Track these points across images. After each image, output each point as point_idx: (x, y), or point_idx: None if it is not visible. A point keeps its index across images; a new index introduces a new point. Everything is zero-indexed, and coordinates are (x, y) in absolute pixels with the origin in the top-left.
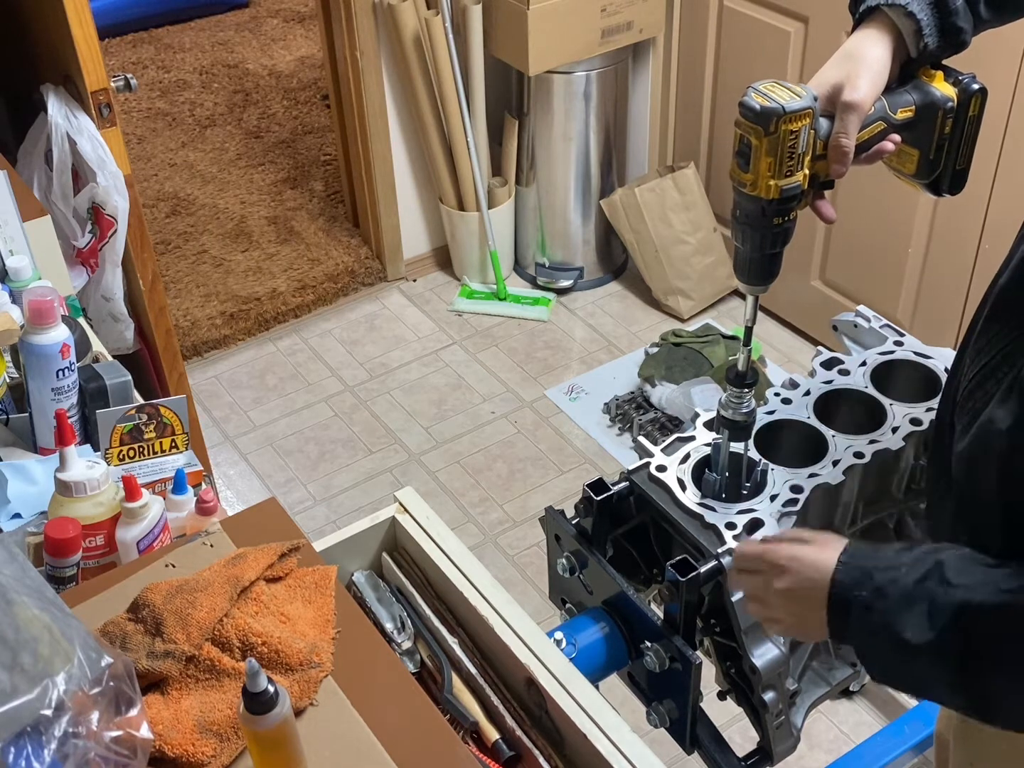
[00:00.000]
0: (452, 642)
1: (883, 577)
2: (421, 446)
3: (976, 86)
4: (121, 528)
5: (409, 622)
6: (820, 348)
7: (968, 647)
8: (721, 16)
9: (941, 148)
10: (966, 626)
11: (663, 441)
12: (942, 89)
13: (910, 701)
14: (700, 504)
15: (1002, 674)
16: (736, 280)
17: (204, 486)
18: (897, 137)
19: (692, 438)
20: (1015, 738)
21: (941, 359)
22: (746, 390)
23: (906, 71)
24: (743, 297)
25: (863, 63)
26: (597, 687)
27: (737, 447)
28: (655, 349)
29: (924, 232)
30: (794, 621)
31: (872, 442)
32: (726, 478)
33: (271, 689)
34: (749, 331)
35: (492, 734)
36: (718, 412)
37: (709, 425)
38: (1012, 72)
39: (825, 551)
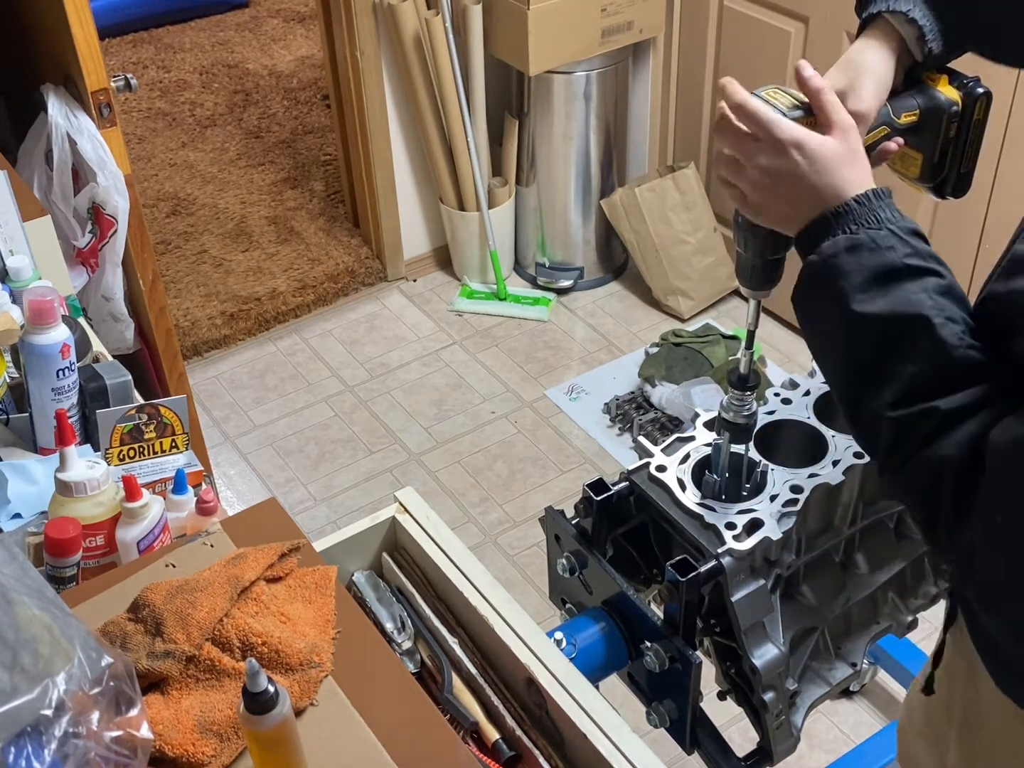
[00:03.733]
0: (452, 642)
1: (886, 239)
2: (421, 446)
3: (981, 90)
4: (121, 528)
5: (409, 622)
6: None
7: (886, 347)
8: (721, 16)
9: (945, 152)
10: (904, 332)
11: (663, 441)
12: (946, 93)
13: None
14: (700, 504)
15: (890, 390)
16: (737, 281)
17: (204, 486)
18: (901, 140)
19: (692, 438)
20: (1019, 734)
21: None
22: (748, 393)
23: (911, 75)
24: (743, 297)
25: (867, 70)
26: (597, 687)
27: (738, 448)
28: (655, 349)
29: (926, 225)
30: (761, 202)
31: None
32: (726, 479)
33: (271, 689)
34: (751, 335)
35: (492, 734)
36: (719, 414)
37: (709, 425)
38: (1012, 73)
39: (836, 160)
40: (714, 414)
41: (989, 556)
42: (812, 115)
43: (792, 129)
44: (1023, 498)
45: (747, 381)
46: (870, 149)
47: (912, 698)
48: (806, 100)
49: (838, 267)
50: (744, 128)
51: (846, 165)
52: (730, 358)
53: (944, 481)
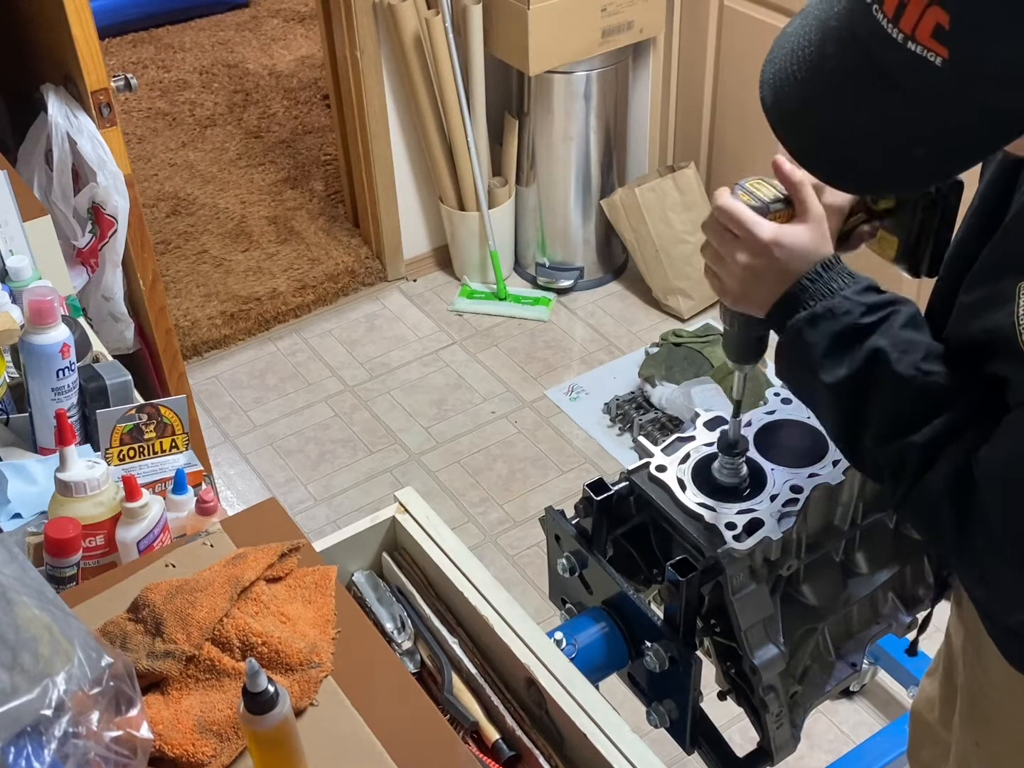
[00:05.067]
0: (452, 642)
1: (841, 305)
2: (421, 446)
3: (954, 179)
4: (121, 528)
5: (409, 622)
6: None
7: (858, 398)
8: (721, 16)
9: (920, 235)
10: (867, 379)
11: (663, 441)
12: None
13: (910, 701)
14: (700, 504)
15: (871, 433)
16: (723, 351)
17: (204, 486)
18: (876, 224)
19: (692, 438)
20: (1022, 719)
21: None
22: (737, 459)
23: None
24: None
25: None
26: (597, 687)
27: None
28: (655, 349)
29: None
30: (739, 292)
31: None
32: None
33: (271, 689)
34: (738, 404)
35: (492, 734)
36: (713, 473)
37: (709, 425)
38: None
39: (809, 248)
40: (714, 414)
41: (996, 568)
42: (791, 205)
43: (770, 230)
44: (1017, 511)
45: (735, 447)
46: (848, 234)
47: (922, 683)
48: (786, 192)
49: (804, 340)
50: (727, 226)
51: (817, 250)
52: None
53: (941, 509)
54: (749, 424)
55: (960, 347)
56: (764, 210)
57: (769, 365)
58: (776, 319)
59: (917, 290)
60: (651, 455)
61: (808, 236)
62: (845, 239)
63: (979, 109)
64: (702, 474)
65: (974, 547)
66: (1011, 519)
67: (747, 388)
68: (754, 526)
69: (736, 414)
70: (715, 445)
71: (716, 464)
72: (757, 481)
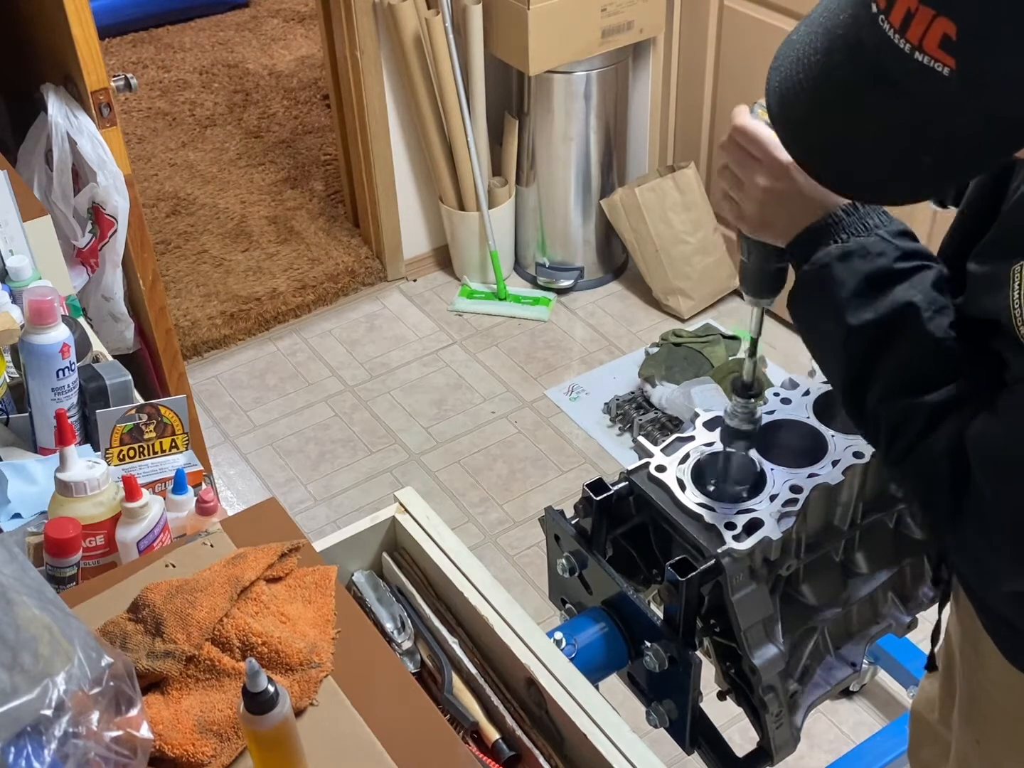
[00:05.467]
0: (452, 642)
1: (876, 244)
2: (421, 446)
3: None
4: (121, 528)
5: (409, 622)
6: None
7: (878, 347)
8: (721, 16)
9: None
10: (893, 329)
11: (663, 441)
12: None
13: (910, 701)
14: (700, 504)
15: (881, 386)
16: (738, 283)
17: (204, 486)
18: None
19: (692, 438)
20: (1021, 716)
21: None
22: (752, 400)
23: None
24: (743, 297)
25: None
26: (597, 687)
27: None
28: (655, 349)
29: (924, 232)
30: (758, 218)
31: None
32: (727, 482)
33: (271, 689)
34: (755, 343)
35: (492, 734)
36: (724, 421)
37: (709, 425)
38: None
39: None
40: (714, 414)
41: (988, 541)
42: None
43: None
44: (1008, 484)
45: (751, 388)
46: None
47: (922, 682)
48: None
49: (831, 276)
50: (746, 147)
51: None
52: (730, 358)
53: (940, 471)
54: None
55: (968, 319)
56: None
57: (769, 364)
58: (800, 250)
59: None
60: (651, 455)
61: None
62: None
63: (986, 118)
64: (702, 474)
65: (965, 513)
66: (999, 494)
67: (764, 324)
68: (754, 526)
69: (752, 353)
70: (731, 387)
71: (728, 409)
72: (757, 481)
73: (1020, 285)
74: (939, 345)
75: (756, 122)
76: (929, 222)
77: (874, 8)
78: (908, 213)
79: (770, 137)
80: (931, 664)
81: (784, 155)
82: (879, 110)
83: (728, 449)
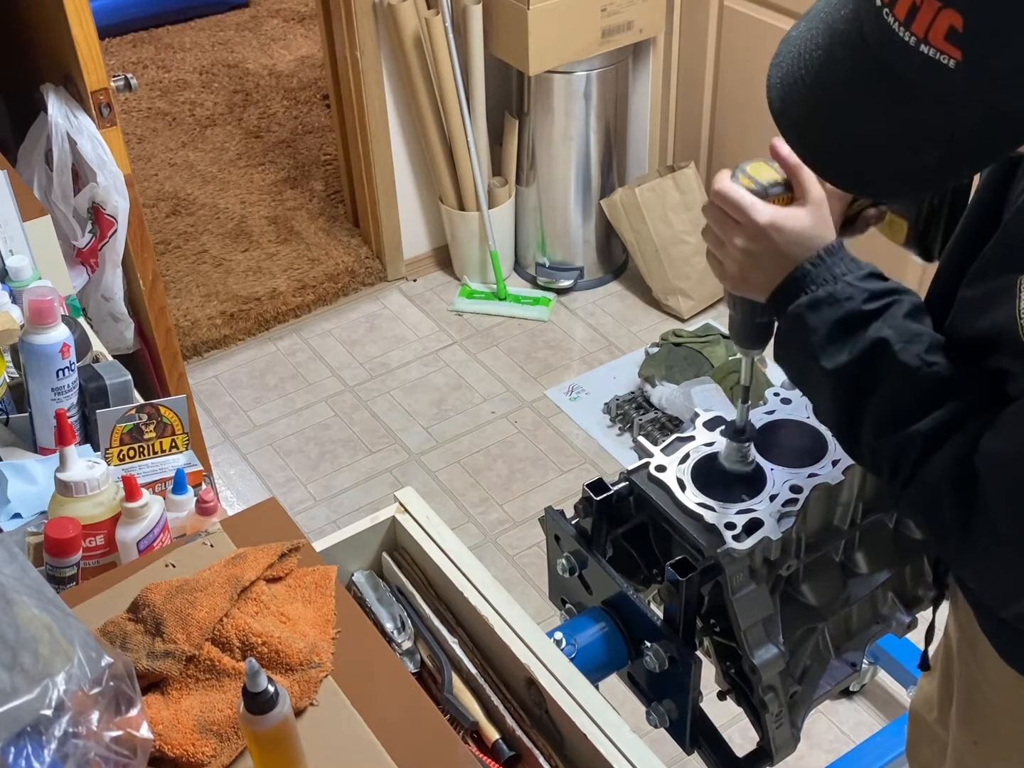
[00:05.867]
0: (452, 642)
1: (843, 290)
2: (421, 446)
3: None
4: (121, 528)
5: (409, 622)
6: None
7: (859, 387)
8: (721, 16)
9: (930, 219)
10: (870, 368)
11: (663, 441)
12: None
13: (910, 701)
14: (699, 504)
15: (871, 424)
16: (729, 335)
17: (204, 486)
18: (883, 208)
19: (692, 438)
20: (1018, 716)
21: None
22: (745, 445)
23: None
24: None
25: None
26: (597, 687)
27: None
28: (655, 349)
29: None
30: (740, 277)
31: None
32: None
33: (271, 689)
34: (747, 390)
35: (492, 734)
36: (721, 461)
37: (709, 425)
38: None
39: (808, 233)
40: (714, 414)
41: (1002, 560)
42: (791, 189)
43: (768, 214)
44: (1018, 502)
45: (743, 433)
46: (854, 218)
47: (920, 682)
48: (786, 176)
49: (805, 325)
50: (726, 210)
51: (816, 236)
52: (730, 358)
53: (943, 498)
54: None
55: (961, 340)
56: (763, 194)
57: (769, 364)
58: (777, 304)
59: (919, 279)
60: (651, 455)
61: (808, 220)
62: (851, 223)
63: (992, 111)
64: (702, 474)
65: (973, 537)
66: (1011, 509)
67: (755, 373)
68: (754, 526)
69: (744, 400)
70: (722, 432)
71: (723, 452)
72: (757, 481)
73: None
74: (917, 374)
75: (735, 186)
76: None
77: (878, 1)
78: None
79: (749, 201)
80: (924, 663)
81: (761, 217)
82: (883, 105)
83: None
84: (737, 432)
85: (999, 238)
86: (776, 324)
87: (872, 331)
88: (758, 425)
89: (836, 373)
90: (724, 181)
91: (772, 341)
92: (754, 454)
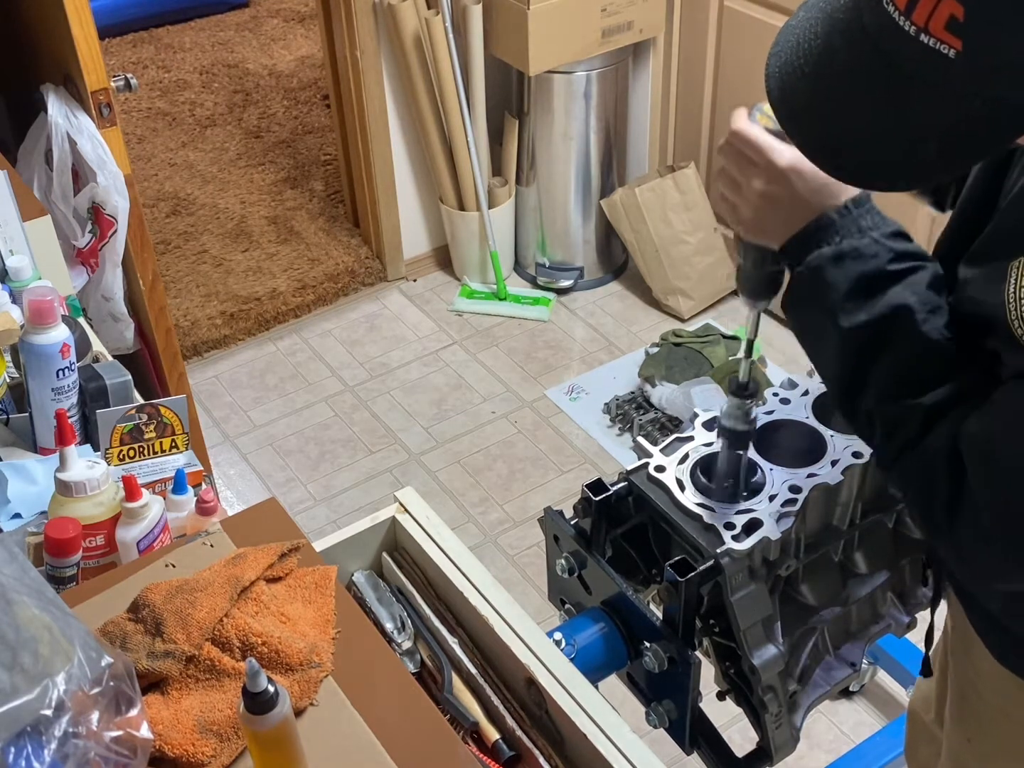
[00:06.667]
0: (452, 642)
1: (870, 247)
2: (421, 446)
3: None
4: (121, 528)
5: (409, 622)
6: None
7: (871, 349)
8: (721, 16)
9: None
10: (887, 332)
11: (663, 441)
12: None
13: None
14: (699, 504)
15: (876, 387)
16: (736, 285)
17: (204, 486)
18: None
19: (691, 438)
20: (1013, 715)
21: None
22: (748, 401)
23: None
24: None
25: None
26: (597, 687)
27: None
28: (655, 349)
29: (924, 233)
30: (755, 221)
31: None
32: (726, 482)
33: (271, 689)
34: (751, 344)
35: (492, 734)
36: (719, 421)
37: (708, 425)
38: None
39: (829, 179)
40: (713, 414)
41: (982, 539)
42: None
43: (788, 156)
44: (1003, 482)
45: (746, 389)
46: None
47: (918, 682)
48: None
49: (824, 278)
50: (743, 151)
51: (836, 183)
52: (730, 358)
53: (936, 472)
54: None
55: (961, 319)
56: (782, 134)
57: (769, 364)
58: (794, 251)
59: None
60: (650, 455)
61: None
62: None
63: (993, 101)
64: (701, 474)
65: (961, 513)
66: (987, 489)
67: (760, 325)
68: (753, 526)
69: (748, 354)
70: (728, 390)
71: (724, 408)
72: (756, 481)
73: (1017, 281)
74: (934, 347)
75: (754, 126)
76: (930, 224)
77: None
78: (910, 215)
79: (768, 141)
80: (926, 669)
81: (781, 159)
82: (882, 95)
83: (724, 450)
84: (740, 387)
85: (993, 225)
86: (788, 274)
87: (894, 295)
88: (757, 425)
89: (850, 332)
90: (742, 120)
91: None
92: (755, 414)
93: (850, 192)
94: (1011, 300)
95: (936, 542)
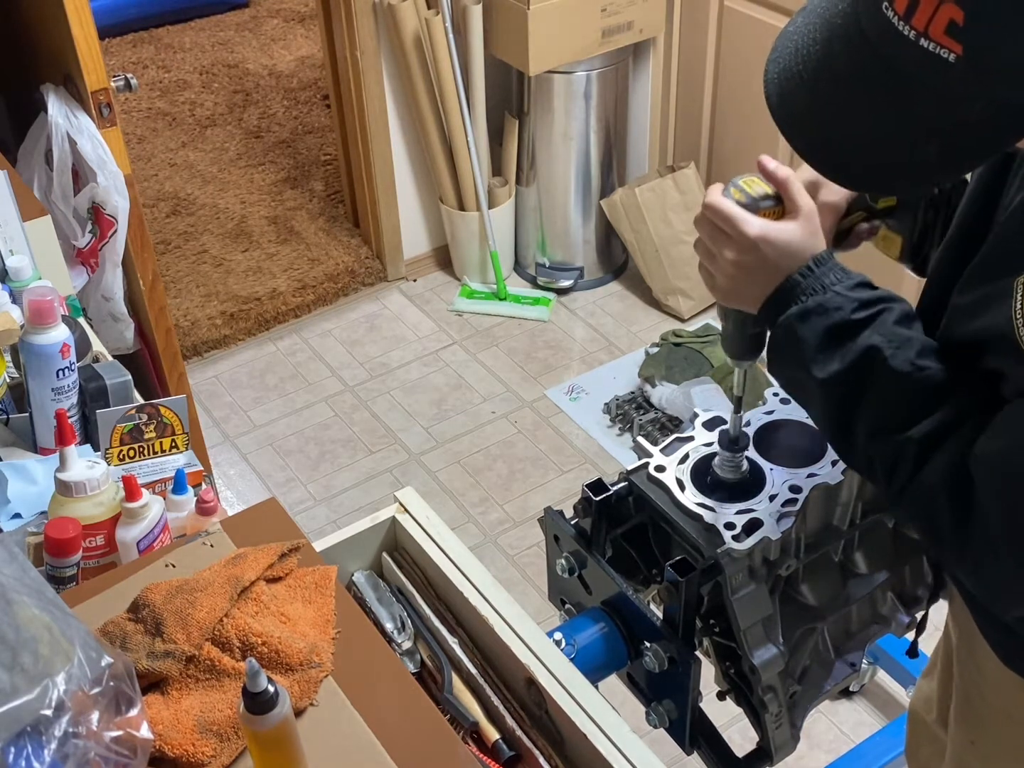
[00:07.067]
0: (452, 642)
1: (832, 300)
2: (421, 446)
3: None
4: (121, 528)
5: (409, 622)
6: None
7: (851, 394)
8: (721, 16)
9: (924, 234)
10: (861, 375)
11: (663, 441)
12: None
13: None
14: (699, 504)
15: (864, 430)
16: (721, 347)
17: (204, 486)
18: (876, 223)
19: (691, 438)
20: (1017, 718)
21: None
22: (738, 455)
23: None
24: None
25: None
26: (597, 687)
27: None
28: (655, 349)
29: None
30: (730, 289)
31: None
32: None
33: (271, 689)
34: (739, 400)
35: (492, 734)
36: (713, 470)
37: (708, 425)
38: None
39: (798, 245)
40: (713, 414)
41: (997, 558)
42: (782, 202)
43: (757, 227)
44: (1018, 501)
45: (737, 443)
46: (847, 232)
47: (919, 683)
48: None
49: (795, 335)
50: (716, 224)
51: (806, 247)
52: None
53: (938, 502)
54: (748, 424)
55: (955, 345)
56: (754, 207)
57: None
58: (768, 315)
59: (917, 289)
60: (650, 455)
61: (798, 233)
62: (844, 237)
63: (993, 105)
64: (701, 474)
65: (972, 542)
66: (1008, 512)
67: (748, 384)
68: (753, 526)
69: (737, 410)
70: (715, 443)
71: (717, 460)
72: (756, 481)
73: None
74: (909, 379)
75: (726, 200)
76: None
77: None
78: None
79: (738, 213)
80: (913, 651)
81: (751, 230)
82: (881, 99)
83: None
84: (731, 442)
85: (993, 241)
86: (768, 335)
87: (862, 339)
88: (757, 425)
89: (828, 382)
90: (715, 195)
91: (764, 351)
92: (747, 465)
93: (815, 252)
94: (1018, 315)
95: (956, 572)
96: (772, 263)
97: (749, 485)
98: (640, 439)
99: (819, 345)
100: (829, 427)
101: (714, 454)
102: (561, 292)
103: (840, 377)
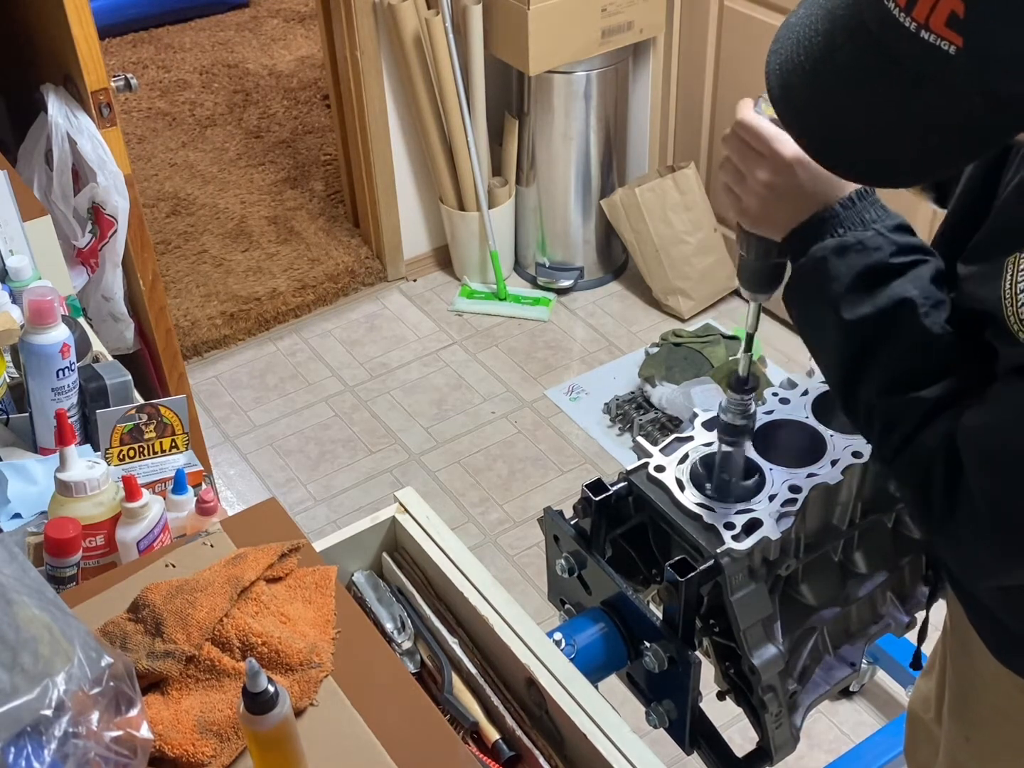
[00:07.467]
0: (452, 642)
1: (873, 239)
2: (421, 446)
3: None
4: (121, 528)
5: (409, 622)
6: None
7: (873, 342)
8: (721, 16)
9: None
10: (890, 325)
11: (663, 441)
12: None
13: None
14: (699, 504)
15: (877, 380)
16: (738, 282)
17: (204, 486)
18: None
19: (691, 438)
20: (1012, 715)
21: None
22: (747, 396)
23: None
24: (743, 298)
25: None
26: (597, 687)
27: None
28: (655, 349)
29: (924, 231)
30: (759, 212)
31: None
32: (725, 481)
33: (271, 689)
34: (750, 338)
35: (492, 734)
36: (718, 416)
37: (708, 425)
38: None
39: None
40: (713, 414)
41: (979, 534)
42: None
43: (793, 147)
44: (999, 477)
45: (746, 384)
46: None
47: (917, 682)
48: None
49: (827, 270)
50: (748, 142)
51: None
52: (730, 358)
53: (934, 467)
54: None
55: (961, 315)
56: None
57: (769, 365)
58: (797, 243)
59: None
60: (650, 455)
61: None
62: None
63: (994, 96)
64: (701, 474)
65: (956, 507)
66: (984, 485)
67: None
68: (753, 526)
69: (747, 348)
70: (727, 384)
71: (723, 402)
72: (756, 481)
73: (1013, 277)
74: (935, 341)
75: (759, 117)
76: (931, 218)
77: None
78: (911, 210)
79: (773, 132)
80: (916, 662)
81: (786, 150)
82: (883, 91)
83: (724, 448)
84: (740, 382)
85: (991, 221)
86: (790, 266)
87: (897, 288)
88: (757, 425)
89: (853, 324)
90: (747, 111)
91: (781, 285)
92: (754, 407)
93: (854, 184)
94: (1007, 296)
95: (934, 538)
96: (808, 189)
97: (753, 480)
98: (640, 439)
99: (852, 284)
100: (839, 372)
101: (715, 454)
102: (561, 292)
103: (867, 322)
